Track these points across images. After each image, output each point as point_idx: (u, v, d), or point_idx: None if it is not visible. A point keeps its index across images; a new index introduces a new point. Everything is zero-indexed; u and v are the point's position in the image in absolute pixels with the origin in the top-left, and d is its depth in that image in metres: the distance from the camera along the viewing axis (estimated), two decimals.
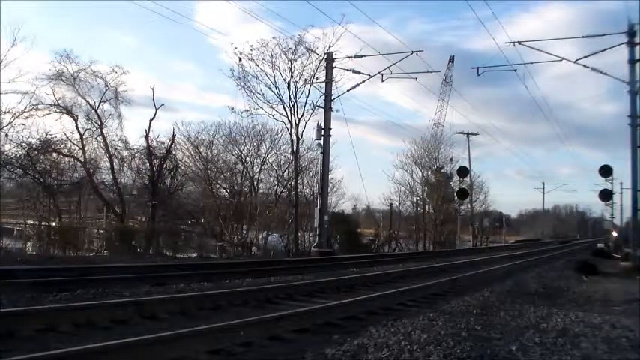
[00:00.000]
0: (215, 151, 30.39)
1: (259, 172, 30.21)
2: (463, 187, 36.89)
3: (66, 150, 24.75)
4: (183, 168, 29.01)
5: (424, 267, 16.53)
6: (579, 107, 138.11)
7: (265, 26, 57.77)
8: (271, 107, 26.20)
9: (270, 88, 26.21)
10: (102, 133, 25.22)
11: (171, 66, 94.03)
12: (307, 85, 25.46)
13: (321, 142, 22.75)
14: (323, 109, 23.27)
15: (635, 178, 19.75)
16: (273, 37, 27.10)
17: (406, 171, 43.73)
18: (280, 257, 22.60)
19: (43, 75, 23.42)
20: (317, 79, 24.50)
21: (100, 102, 25.18)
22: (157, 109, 25.94)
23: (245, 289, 8.97)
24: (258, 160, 30.11)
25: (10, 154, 22.71)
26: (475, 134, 48.52)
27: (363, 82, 23.32)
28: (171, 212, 26.89)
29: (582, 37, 21.32)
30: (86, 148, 25.03)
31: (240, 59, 25.80)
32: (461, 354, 5.26)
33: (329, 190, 27.08)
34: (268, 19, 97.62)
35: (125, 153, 26.29)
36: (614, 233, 49.40)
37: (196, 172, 29.80)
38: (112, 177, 25.77)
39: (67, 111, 24.38)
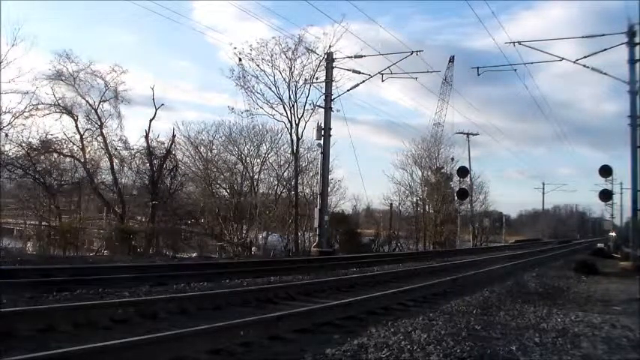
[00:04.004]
0: (215, 151, 30.42)
1: (259, 172, 30.23)
2: (463, 187, 36.89)
3: (66, 150, 24.77)
4: (183, 168, 29.02)
5: (424, 267, 16.54)
6: (580, 107, 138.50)
7: (263, 24, 58.08)
8: (271, 107, 26.23)
9: (270, 88, 26.23)
10: (102, 133, 25.23)
11: (170, 65, 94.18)
12: (307, 85, 25.48)
13: (321, 142, 22.73)
14: (323, 109, 23.27)
15: (635, 178, 19.76)
16: (273, 37, 27.10)
17: (406, 171, 43.74)
18: (280, 257, 22.59)
19: (43, 75, 23.43)
20: (317, 79, 24.50)
21: (100, 102, 25.21)
22: (156, 109, 25.99)
23: (245, 289, 8.98)
24: (258, 160, 30.12)
25: (10, 154, 22.71)
26: (475, 134, 48.65)
27: (363, 82, 23.34)
28: (171, 212, 26.87)
29: (582, 37, 21.35)
30: (86, 149, 25.05)
31: (240, 59, 25.84)
32: (461, 354, 5.26)
33: (329, 190, 27.08)
34: (266, 18, 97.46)
35: (125, 153, 26.32)
36: (613, 233, 49.50)
37: (196, 172, 29.78)
38: (112, 177, 25.78)
39: (67, 111, 24.38)
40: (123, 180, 26.90)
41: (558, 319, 7.81)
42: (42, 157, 23.96)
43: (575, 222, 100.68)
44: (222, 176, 30.49)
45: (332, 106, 23.05)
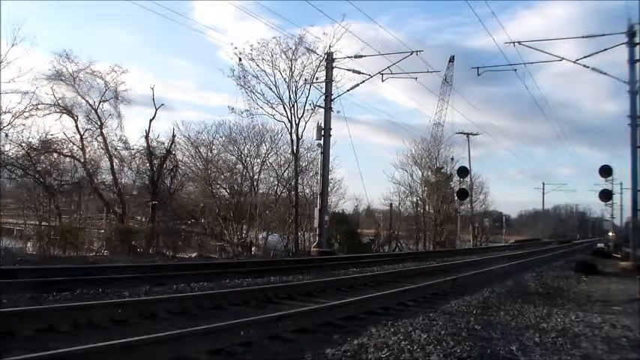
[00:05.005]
0: (215, 151, 30.41)
1: (259, 172, 30.22)
2: (463, 187, 36.89)
3: (66, 150, 24.75)
4: (183, 168, 29.00)
5: (424, 267, 16.54)
6: (580, 107, 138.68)
7: (262, 24, 57.97)
8: (271, 107, 26.26)
9: (270, 88, 26.25)
10: (102, 133, 25.19)
11: (170, 65, 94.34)
12: (307, 85, 25.49)
13: (321, 142, 22.71)
14: (323, 109, 23.25)
15: (635, 178, 19.75)
16: (273, 37, 27.15)
17: (406, 171, 43.79)
18: (280, 257, 22.58)
19: (43, 75, 23.40)
20: (317, 79, 24.49)
21: (100, 102, 25.18)
22: (156, 109, 25.94)
23: (245, 289, 8.97)
24: (258, 160, 30.11)
25: (10, 154, 22.69)
26: (475, 134, 48.66)
27: (363, 82, 23.30)
28: (171, 212, 26.86)
29: (582, 37, 21.33)
30: (86, 148, 25.04)
31: (240, 59, 25.88)
32: (461, 354, 5.26)
33: (329, 190, 27.07)
34: (265, 17, 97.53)
35: (125, 153, 26.28)
36: (611, 233, 49.56)
37: (196, 172, 29.78)
38: (112, 177, 25.76)
39: (67, 111, 24.35)
40: (123, 180, 26.90)
41: (558, 319, 7.81)
42: (42, 157, 23.93)
43: (575, 222, 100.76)
44: (222, 176, 30.50)
45: (332, 106, 23.03)
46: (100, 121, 25.09)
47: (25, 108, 22.52)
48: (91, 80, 24.79)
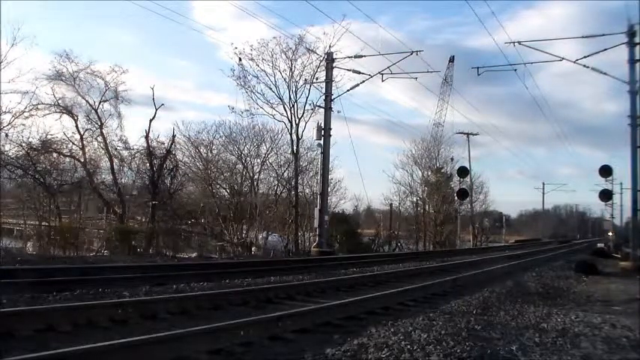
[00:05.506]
0: (215, 151, 30.44)
1: (259, 172, 30.23)
2: (463, 187, 36.88)
3: (66, 150, 24.77)
4: (183, 168, 29.02)
5: (424, 267, 16.54)
6: (580, 107, 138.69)
7: (262, 24, 57.91)
8: (271, 107, 26.29)
9: (270, 88, 26.33)
10: (102, 133, 25.23)
11: (170, 65, 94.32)
12: (307, 85, 25.53)
13: (321, 142, 22.71)
14: (323, 109, 23.25)
15: (635, 178, 19.74)
16: (274, 37, 27.21)
17: (406, 171, 43.86)
18: (280, 257, 22.58)
19: (43, 75, 23.45)
20: (317, 79, 24.53)
21: (100, 102, 25.23)
22: (156, 109, 25.97)
23: (245, 289, 8.97)
24: (258, 160, 30.13)
25: (10, 154, 22.71)
26: (475, 134, 48.72)
27: (363, 82, 23.29)
28: (171, 212, 26.87)
29: (582, 37, 21.32)
30: (86, 148, 25.06)
31: (240, 59, 25.93)
32: (461, 354, 5.26)
33: (329, 190, 27.09)
34: (265, 17, 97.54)
35: (125, 153, 26.31)
36: (611, 233, 49.58)
37: (196, 172, 29.78)
38: (112, 177, 25.78)
39: (67, 111, 24.39)
40: (123, 180, 26.95)
41: (558, 319, 7.81)
42: (42, 157, 23.95)
43: (575, 222, 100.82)
44: (222, 176, 30.51)
45: (332, 106, 23.02)
46: (100, 121, 25.15)
47: (25, 108, 22.60)
48: (91, 80, 24.89)
